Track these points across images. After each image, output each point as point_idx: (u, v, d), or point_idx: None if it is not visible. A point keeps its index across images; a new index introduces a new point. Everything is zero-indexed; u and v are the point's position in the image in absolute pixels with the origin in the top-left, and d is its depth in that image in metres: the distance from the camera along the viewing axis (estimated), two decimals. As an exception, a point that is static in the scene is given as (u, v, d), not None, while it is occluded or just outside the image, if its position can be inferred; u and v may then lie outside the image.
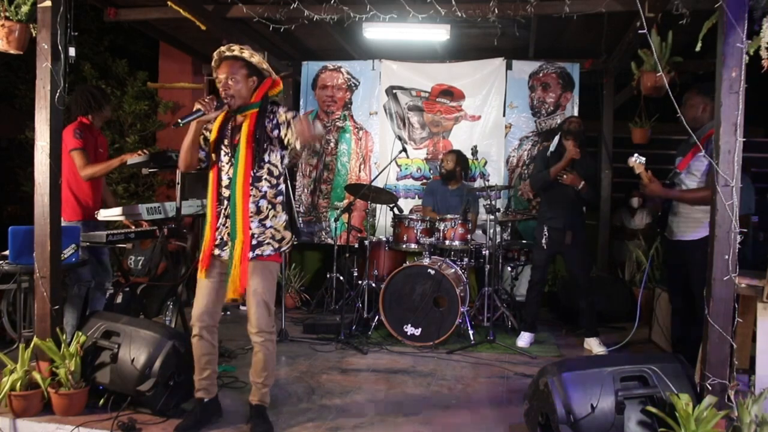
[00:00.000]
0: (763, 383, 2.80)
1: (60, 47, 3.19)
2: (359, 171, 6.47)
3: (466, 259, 5.08)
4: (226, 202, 2.86)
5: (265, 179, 2.86)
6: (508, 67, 6.16)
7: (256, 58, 2.83)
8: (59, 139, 3.29)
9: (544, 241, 4.58)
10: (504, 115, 6.19)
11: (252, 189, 2.83)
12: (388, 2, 4.39)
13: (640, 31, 3.05)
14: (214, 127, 2.89)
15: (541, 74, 6.18)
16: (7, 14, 3.20)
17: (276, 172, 2.89)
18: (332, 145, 6.52)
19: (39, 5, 3.16)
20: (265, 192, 2.86)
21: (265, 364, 2.91)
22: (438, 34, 5.23)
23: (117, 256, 4.11)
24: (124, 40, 8.48)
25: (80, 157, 3.90)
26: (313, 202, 6.54)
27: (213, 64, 2.89)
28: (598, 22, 4.97)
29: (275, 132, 2.83)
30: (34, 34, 3.24)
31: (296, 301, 5.93)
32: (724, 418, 2.53)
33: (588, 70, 6.17)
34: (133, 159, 3.89)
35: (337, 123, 6.52)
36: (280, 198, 2.91)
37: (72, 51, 3.26)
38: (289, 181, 4.54)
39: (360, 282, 5.18)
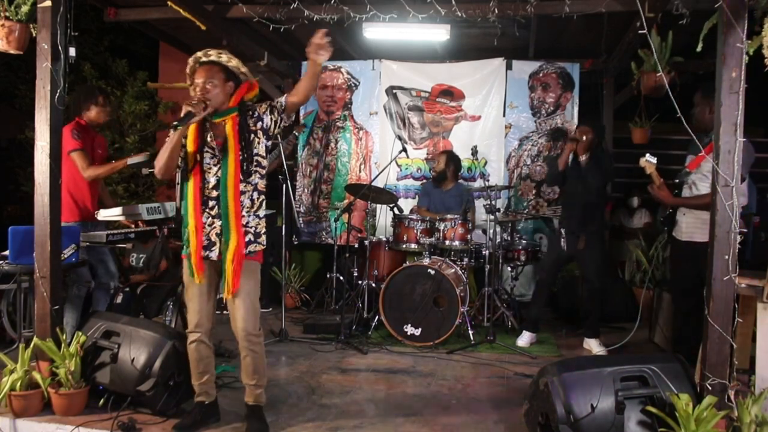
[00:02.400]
0: (763, 383, 2.80)
1: (60, 47, 3.19)
2: (359, 171, 6.47)
3: (466, 259, 5.08)
4: (212, 203, 2.85)
5: (256, 171, 2.89)
6: (508, 67, 6.16)
7: (234, 63, 2.85)
8: (59, 139, 3.29)
9: (563, 243, 4.56)
10: (504, 115, 6.18)
11: (245, 185, 2.85)
12: (388, 2, 4.39)
13: (640, 31, 3.05)
14: (191, 132, 2.86)
15: (541, 74, 6.18)
16: (7, 14, 3.20)
17: (264, 163, 2.94)
18: (332, 145, 6.52)
19: (39, 5, 3.16)
20: (256, 184, 2.90)
21: (256, 366, 2.93)
22: (438, 34, 5.23)
23: (117, 256, 4.11)
24: (124, 40, 8.49)
25: (81, 158, 3.91)
26: (313, 202, 6.54)
27: (188, 70, 2.87)
28: (598, 22, 4.96)
29: (259, 124, 2.88)
30: (34, 34, 3.24)
31: (296, 301, 5.93)
32: (724, 418, 2.53)
33: (588, 70, 6.17)
34: (133, 159, 3.89)
35: (337, 123, 6.52)
36: (263, 183, 2.95)
37: (72, 51, 3.26)
38: (288, 181, 4.59)
39: (360, 282, 5.18)
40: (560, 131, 6.07)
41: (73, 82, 6.61)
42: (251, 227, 2.88)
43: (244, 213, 2.85)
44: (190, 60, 2.84)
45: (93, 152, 4.07)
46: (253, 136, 2.86)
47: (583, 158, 4.53)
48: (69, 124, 3.98)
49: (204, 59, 2.83)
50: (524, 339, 4.68)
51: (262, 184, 2.93)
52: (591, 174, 4.44)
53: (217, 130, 2.87)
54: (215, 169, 2.85)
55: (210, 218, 2.87)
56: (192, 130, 2.86)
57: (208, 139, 2.87)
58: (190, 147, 2.86)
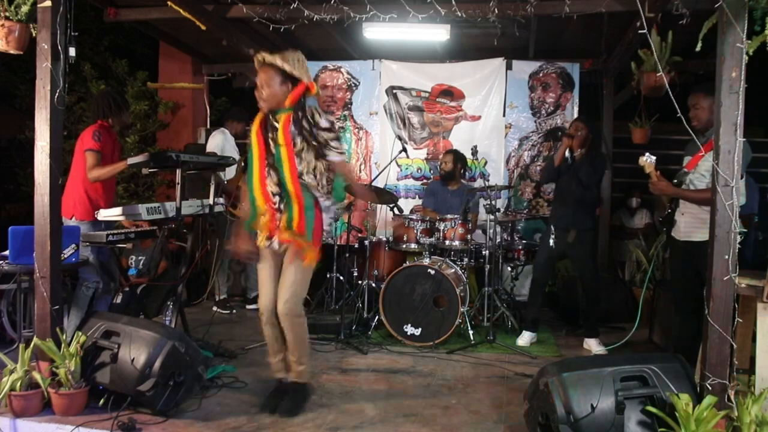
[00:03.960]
0: (763, 383, 2.80)
1: (60, 47, 3.19)
2: (359, 171, 6.47)
3: (466, 259, 5.08)
4: (275, 197, 3.06)
5: (306, 174, 3.05)
6: (508, 67, 6.16)
7: (288, 66, 2.99)
8: (59, 139, 3.29)
9: (551, 240, 4.59)
10: (504, 115, 6.19)
11: (300, 181, 3.04)
12: (388, 2, 4.40)
13: (640, 31, 3.05)
14: (254, 127, 3.12)
15: (541, 74, 6.18)
16: (7, 14, 3.20)
17: (313, 163, 3.06)
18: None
19: (39, 5, 3.16)
20: (307, 184, 3.06)
21: (296, 343, 3.12)
22: (438, 34, 5.23)
23: (116, 256, 4.11)
24: (124, 40, 8.47)
25: (92, 158, 3.97)
26: (313, 202, 6.53)
27: (256, 65, 3.10)
28: (598, 22, 4.97)
29: (312, 139, 3.04)
30: (34, 34, 3.24)
31: (296, 301, 5.91)
32: (724, 418, 2.53)
33: (588, 70, 6.18)
34: (133, 159, 3.90)
35: (338, 123, 6.52)
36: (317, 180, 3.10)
37: (72, 51, 3.26)
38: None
39: (360, 282, 5.18)
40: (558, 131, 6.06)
41: (73, 82, 6.62)
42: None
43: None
44: (255, 61, 3.07)
45: (113, 155, 4.15)
46: (303, 140, 3.02)
47: (577, 153, 4.55)
48: (93, 125, 4.10)
49: (262, 61, 3.03)
50: (524, 339, 4.69)
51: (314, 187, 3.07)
52: (583, 170, 4.45)
53: (275, 126, 3.06)
54: (273, 162, 3.04)
55: (274, 210, 3.07)
56: (256, 125, 3.11)
57: (269, 135, 3.08)
58: (254, 142, 3.09)
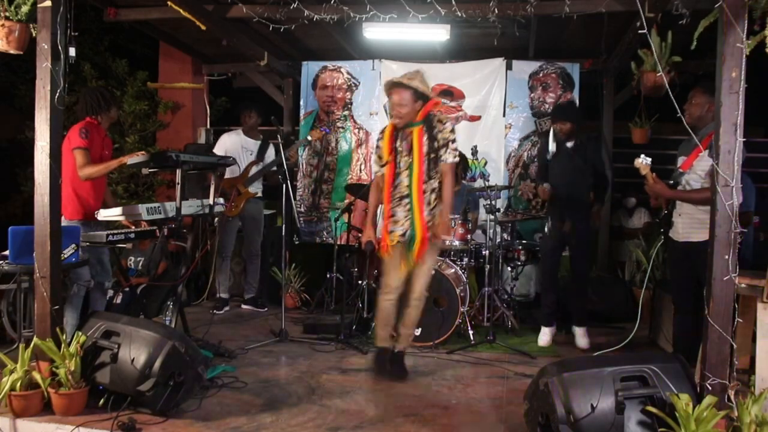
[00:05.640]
0: (763, 383, 2.80)
1: (60, 47, 3.19)
2: (360, 171, 6.47)
3: (466, 259, 5.08)
4: (405, 200, 3.58)
5: (434, 178, 3.57)
6: (508, 67, 6.15)
7: (422, 86, 3.48)
8: (59, 139, 3.29)
9: (547, 230, 4.69)
10: (504, 115, 6.18)
11: (425, 185, 3.54)
12: (388, 2, 4.40)
13: (640, 31, 3.05)
14: (385, 138, 3.62)
15: (541, 74, 6.17)
16: (7, 14, 3.20)
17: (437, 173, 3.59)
18: (333, 145, 6.53)
19: (39, 5, 3.16)
20: (435, 188, 3.59)
21: (416, 318, 3.79)
22: (438, 34, 5.23)
23: (116, 256, 4.11)
24: (124, 40, 8.47)
25: (82, 156, 3.92)
26: (314, 201, 6.55)
27: (385, 86, 3.61)
28: (598, 22, 4.96)
29: (439, 136, 3.53)
30: (34, 34, 3.24)
31: (296, 301, 5.92)
32: (724, 418, 2.54)
33: (588, 70, 6.17)
34: (133, 159, 3.89)
35: (338, 123, 6.52)
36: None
37: (72, 51, 3.26)
38: (288, 181, 4.59)
39: (360, 282, 5.18)
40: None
41: (73, 82, 6.60)
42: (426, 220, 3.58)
43: (425, 207, 3.54)
44: (386, 82, 3.58)
45: (101, 152, 4.10)
46: (435, 148, 3.52)
47: (569, 144, 4.61)
48: (80, 122, 4.04)
49: (397, 82, 3.48)
50: (545, 336, 4.71)
51: (438, 189, 3.60)
52: (579, 155, 4.54)
53: (406, 138, 3.57)
54: (404, 169, 3.56)
55: (401, 209, 3.61)
56: (387, 136, 3.61)
57: (398, 144, 3.58)
58: (385, 150, 3.60)
